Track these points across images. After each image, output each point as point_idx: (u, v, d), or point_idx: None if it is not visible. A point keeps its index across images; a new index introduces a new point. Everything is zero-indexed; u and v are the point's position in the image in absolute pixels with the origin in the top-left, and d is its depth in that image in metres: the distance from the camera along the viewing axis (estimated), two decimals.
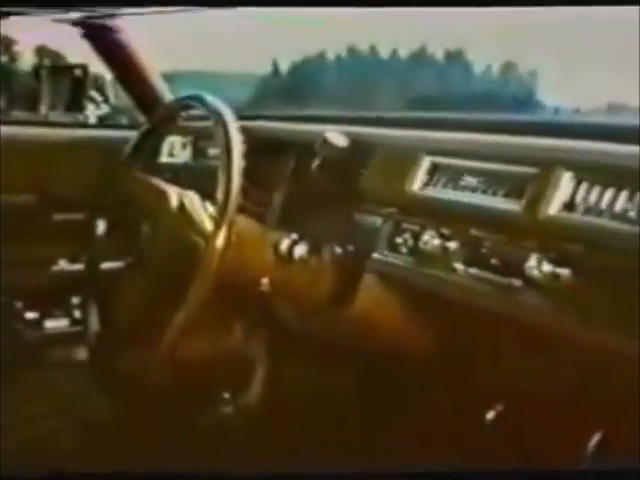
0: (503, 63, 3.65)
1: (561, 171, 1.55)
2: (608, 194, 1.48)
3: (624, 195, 1.45)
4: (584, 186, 1.52)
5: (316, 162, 2.04)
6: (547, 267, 1.54)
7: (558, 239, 1.55)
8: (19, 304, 2.62)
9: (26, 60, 2.89)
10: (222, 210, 1.71)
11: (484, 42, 3.43)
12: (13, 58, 2.86)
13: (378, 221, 1.93)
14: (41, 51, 2.85)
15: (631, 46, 1.86)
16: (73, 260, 2.59)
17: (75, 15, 2.57)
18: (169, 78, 3.10)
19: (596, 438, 1.75)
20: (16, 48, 2.88)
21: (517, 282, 1.60)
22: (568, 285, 1.52)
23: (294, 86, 4.74)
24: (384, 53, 4.26)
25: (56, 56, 2.85)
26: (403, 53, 4.12)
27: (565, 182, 1.54)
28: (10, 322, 2.60)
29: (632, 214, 1.43)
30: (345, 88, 4.42)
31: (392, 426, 2.15)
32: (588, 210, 1.50)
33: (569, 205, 1.53)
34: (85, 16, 2.57)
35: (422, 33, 3.71)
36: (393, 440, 2.13)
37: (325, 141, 2.01)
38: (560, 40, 2.78)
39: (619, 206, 1.46)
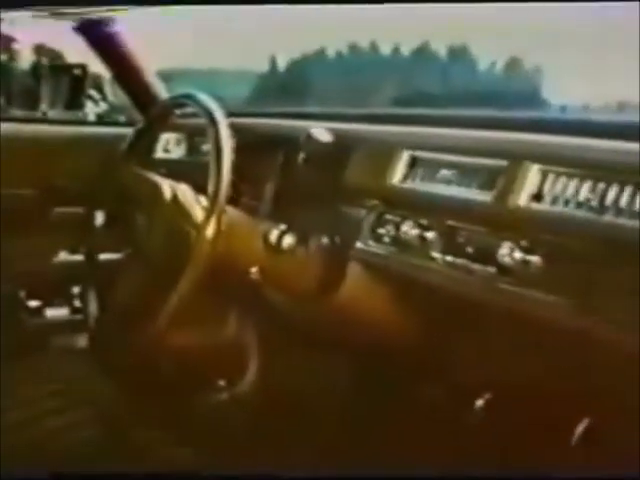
0: (507, 60, 3.64)
1: (529, 164, 1.64)
2: (572, 185, 1.57)
3: (587, 186, 1.55)
4: (550, 178, 1.61)
5: (301, 157, 2.12)
6: (518, 255, 1.62)
7: (527, 228, 1.63)
8: (22, 293, 2.67)
9: (25, 59, 2.94)
10: (212, 201, 1.78)
11: (487, 39, 3.42)
12: (12, 57, 2.89)
13: (362, 213, 2.00)
14: (40, 50, 2.87)
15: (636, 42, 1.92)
16: (73, 251, 2.63)
17: (73, 13, 2.60)
18: (167, 76, 3.16)
19: (582, 426, 1.85)
20: (15, 46, 2.92)
21: (491, 269, 1.68)
22: (538, 271, 1.60)
23: (293, 83, 4.74)
24: (385, 50, 4.23)
25: (55, 54, 2.89)
26: (405, 50, 4.11)
27: (532, 174, 1.63)
28: (13, 310, 2.65)
29: (594, 203, 1.52)
30: (345, 85, 4.35)
31: (381, 412, 2.20)
32: (554, 200, 1.60)
33: (537, 196, 1.62)
34: (82, 14, 2.61)
35: (424, 30, 3.69)
36: (384, 426, 2.18)
37: (309, 137, 2.09)
38: (565, 36, 2.81)
39: (582, 196, 1.55)
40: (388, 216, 1.95)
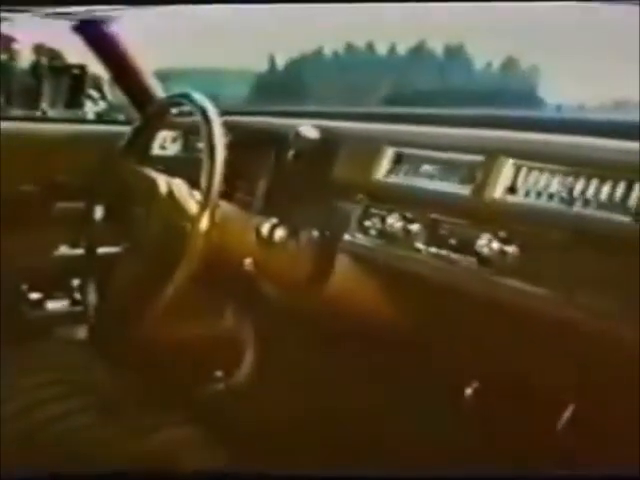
0: (504, 59, 3.71)
1: (504, 159, 1.73)
2: (544, 178, 1.66)
3: (557, 179, 1.64)
4: (523, 172, 1.70)
5: (291, 153, 2.21)
6: (496, 245, 1.71)
7: (503, 219, 1.72)
8: (24, 286, 2.74)
9: (25, 58, 2.99)
10: (206, 195, 1.87)
11: (484, 38, 3.45)
12: (12, 57, 2.93)
13: (349, 206, 2.08)
14: (39, 49, 2.92)
15: (634, 41, 1.94)
16: (73, 245, 2.69)
17: (72, 13, 2.65)
18: (166, 76, 3.22)
19: (567, 413, 1.93)
20: (15, 46, 2.97)
21: (471, 259, 1.76)
22: (515, 261, 1.69)
23: (290, 83, 4.79)
24: (382, 49, 4.27)
25: (54, 54, 2.95)
26: (401, 49, 4.15)
27: (507, 169, 1.72)
28: (15, 303, 2.71)
29: (564, 195, 1.61)
30: (342, 84, 4.39)
31: (375, 399, 2.27)
32: (527, 193, 1.69)
33: (511, 189, 1.72)
34: (81, 14, 2.67)
35: (421, 29, 3.72)
36: (378, 411, 2.25)
37: (298, 134, 2.18)
38: (561, 36, 2.84)
39: (553, 188, 1.64)
40: (374, 209, 2.02)
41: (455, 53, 4.03)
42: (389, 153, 2.02)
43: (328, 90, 4.45)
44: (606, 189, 1.54)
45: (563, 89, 3.04)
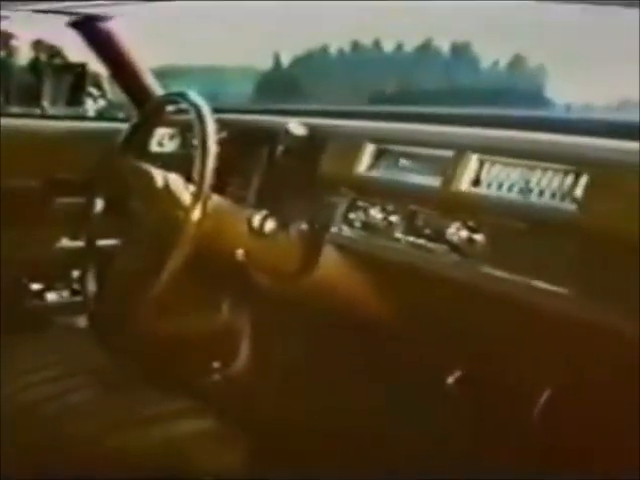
0: (510, 58, 3.84)
1: (470, 154, 1.96)
2: (505, 171, 1.90)
3: (518, 171, 1.87)
4: (486, 165, 1.93)
5: (280, 149, 2.41)
6: (464, 233, 1.94)
7: (469, 209, 1.94)
8: (25, 278, 2.92)
9: (24, 55, 3.15)
10: (198, 187, 2.06)
11: (490, 37, 3.60)
12: (11, 54, 3.06)
13: (335, 200, 2.29)
14: (38, 46, 3.05)
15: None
16: (74, 238, 2.87)
17: (70, 9, 2.78)
18: (167, 73, 3.37)
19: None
20: (14, 43, 3.13)
21: (444, 247, 1.99)
22: (482, 248, 1.92)
23: (294, 81, 4.89)
24: (388, 47, 4.42)
25: (54, 50, 3.03)
26: (407, 47, 4.29)
27: (472, 163, 1.95)
28: (17, 294, 2.88)
29: (522, 185, 1.85)
30: (348, 82, 4.53)
31: (366, 382, 2.45)
32: (490, 185, 1.92)
33: (476, 181, 1.95)
34: (79, 10, 2.81)
35: (427, 27, 3.87)
36: (371, 394, 2.43)
37: (287, 131, 2.39)
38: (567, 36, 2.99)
39: (513, 180, 1.87)
40: (358, 202, 2.23)
41: (461, 52, 4.19)
42: (370, 149, 2.24)
43: (332, 88, 4.57)
44: (557, 180, 1.79)
45: (570, 89, 3.20)
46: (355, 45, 4.63)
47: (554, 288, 1.75)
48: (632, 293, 1.60)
